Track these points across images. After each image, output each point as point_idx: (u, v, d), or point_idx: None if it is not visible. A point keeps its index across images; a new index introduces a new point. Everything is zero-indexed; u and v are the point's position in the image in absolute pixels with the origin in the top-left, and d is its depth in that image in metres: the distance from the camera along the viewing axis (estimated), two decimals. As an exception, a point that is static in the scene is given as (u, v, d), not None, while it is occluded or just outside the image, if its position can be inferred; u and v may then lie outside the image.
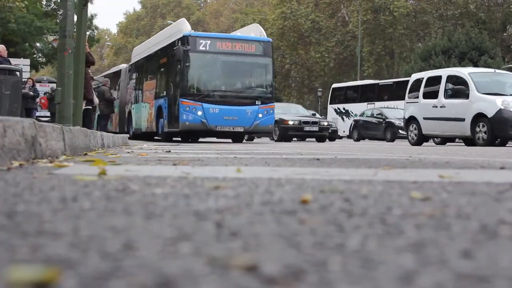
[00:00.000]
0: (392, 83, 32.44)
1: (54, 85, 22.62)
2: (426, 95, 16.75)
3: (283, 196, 1.83)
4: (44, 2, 40.73)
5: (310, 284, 0.79)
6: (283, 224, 1.30)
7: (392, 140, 25.33)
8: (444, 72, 16.77)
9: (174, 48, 17.43)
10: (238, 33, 19.96)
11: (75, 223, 1.26)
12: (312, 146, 13.58)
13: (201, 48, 17.02)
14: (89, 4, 7.90)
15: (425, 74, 17.78)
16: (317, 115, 28.22)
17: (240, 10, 67.84)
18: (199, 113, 16.53)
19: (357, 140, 27.81)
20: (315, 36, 48.76)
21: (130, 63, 25.55)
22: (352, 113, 33.11)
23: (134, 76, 24.06)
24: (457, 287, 0.78)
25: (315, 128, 22.37)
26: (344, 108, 34.14)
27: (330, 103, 35.32)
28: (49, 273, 0.78)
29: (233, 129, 16.84)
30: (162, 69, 19.59)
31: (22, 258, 0.92)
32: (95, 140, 6.52)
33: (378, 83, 33.70)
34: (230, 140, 18.65)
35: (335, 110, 34.34)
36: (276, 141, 22.43)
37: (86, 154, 5.17)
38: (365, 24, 46.50)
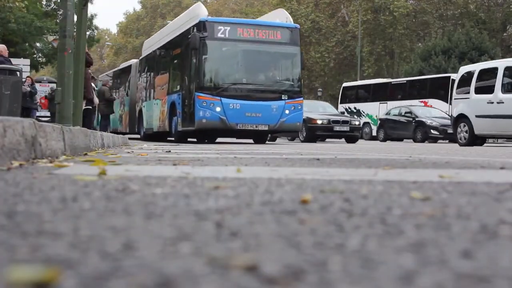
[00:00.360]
0: (405, 81, 31.30)
1: (54, 85, 22.63)
2: (479, 90, 14.88)
3: (283, 196, 1.83)
4: (44, 2, 40.75)
5: (310, 284, 0.79)
6: (283, 224, 1.30)
7: (422, 140, 23.42)
8: (501, 64, 14.93)
9: (189, 36, 15.27)
10: (262, 19, 17.75)
11: (75, 223, 1.26)
12: (314, 146, 13.54)
13: (219, 35, 14.89)
14: (89, 4, 7.90)
15: (477, 67, 15.79)
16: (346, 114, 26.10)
17: (240, 10, 67.84)
18: (218, 109, 14.52)
19: (384, 140, 25.81)
20: (315, 36, 48.75)
21: (140, 57, 23.20)
22: (363, 112, 32.10)
23: (145, 71, 21.72)
24: (457, 287, 0.78)
25: (346, 128, 20.28)
26: (355, 108, 32.98)
27: (341, 103, 34.01)
28: (49, 273, 0.78)
29: (256, 127, 14.81)
30: (176, 61, 17.52)
31: (22, 258, 0.92)
32: (95, 140, 6.52)
33: (390, 82, 32.50)
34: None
35: (346, 109, 33.02)
36: (302, 141, 20.52)
37: (86, 154, 5.17)
38: (365, 24, 46.51)
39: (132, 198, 1.73)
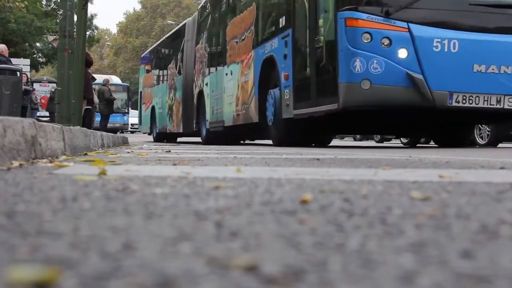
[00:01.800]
0: None
1: (54, 85, 22.61)
2: None
3: (283, 196, 1.83)
4: (44, 2, 40.76)
5: (310, 284, 0.78)
6: (283, 224, 1.30)
7: None
8: None
9: None
10: None
11: (75, 223, 1.26)
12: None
13: None
14: (89, 4, 7.90)
15: None
16: None
17: (240, 10, 67.63)
18: (402, 53, 6.97)
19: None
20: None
21: (200, 5, 14.75)
22: None
23: (207, 24, 13.14)
24: (457, 287, 0.78)
25: None
26: None
27: None
28: (49, 273, 0.78)
29: (498, 101, 7.17)
30: None
31: (22, 258, 0.92)
32: (95, 140, 6.52)
33: None
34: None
35: None
36: (482, 145, 11.93)
37: (86, 154, 5.17)
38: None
39: (132, 198, 1.73)
